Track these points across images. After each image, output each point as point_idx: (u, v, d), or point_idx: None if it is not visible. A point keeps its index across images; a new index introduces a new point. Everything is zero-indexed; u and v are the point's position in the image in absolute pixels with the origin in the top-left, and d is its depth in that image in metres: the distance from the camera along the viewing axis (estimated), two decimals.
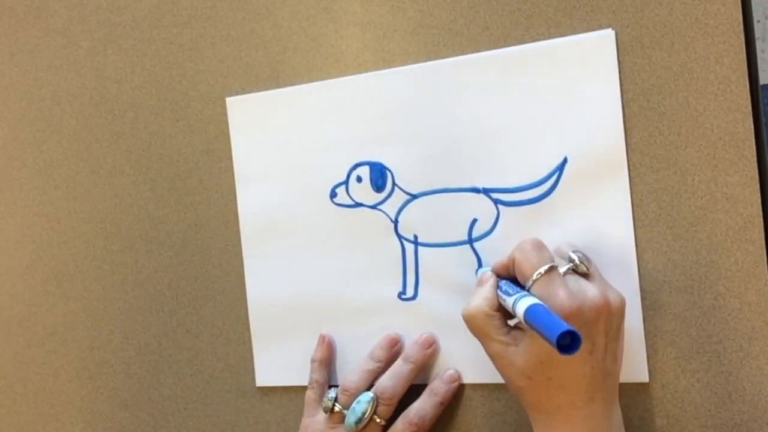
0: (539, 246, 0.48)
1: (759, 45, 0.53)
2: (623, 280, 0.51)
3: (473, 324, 0.49)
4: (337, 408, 0.55)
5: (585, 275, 0.48)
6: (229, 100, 0.63)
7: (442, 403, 0.55)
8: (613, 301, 0.47)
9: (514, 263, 0.48)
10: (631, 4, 0.51)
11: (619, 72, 0.51)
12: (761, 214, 0.49)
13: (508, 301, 0.47)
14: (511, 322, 0.49)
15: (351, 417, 0.54)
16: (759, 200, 0.49)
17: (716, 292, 0.50)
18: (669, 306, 0.51)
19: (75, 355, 0.71)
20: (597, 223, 0.52)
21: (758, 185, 0.49)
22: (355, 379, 0.56)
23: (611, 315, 0.46)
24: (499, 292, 0.49)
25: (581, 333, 0.43)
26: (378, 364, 0.56)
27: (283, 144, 0.61)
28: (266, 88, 0.62)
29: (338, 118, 0.59)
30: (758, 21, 0.57)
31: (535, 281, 0.46)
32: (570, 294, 0.45)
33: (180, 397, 0.67)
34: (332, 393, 0.56)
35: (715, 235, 0.50)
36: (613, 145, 0.51)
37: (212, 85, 0.64)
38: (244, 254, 0.63)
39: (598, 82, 0.51)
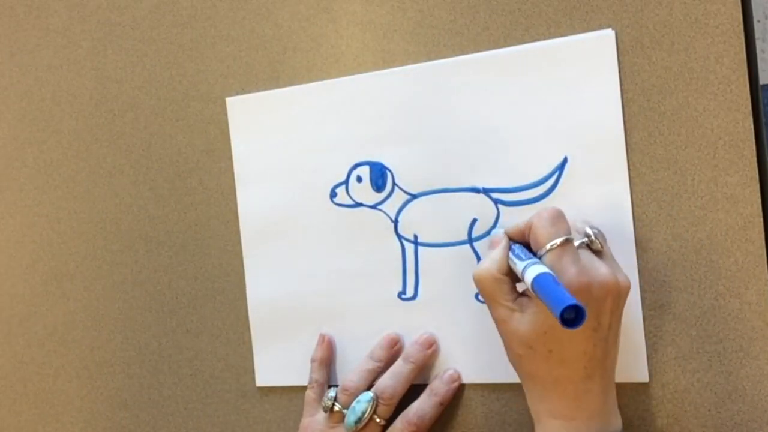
0: (558, 216, 0.47)
1: (759, 45, 0.53)
2: None
3: (482, 286, 0.48)
4: (337, 407, 0.55)
5: (598, 252, 0.48)
6: (229, 100, 0.63)
7: (441, 404, 0.55)
8: (622, 282, 0.46)
9: (530, 230, 0.48)
10: (631, 4, 0.51)
11: (619, 72, 0.51)
12: (761, 214, 0.49)
13: (519, 266, 0.46)
14: (520, 288, 0.48)
15: (351, 416, 0.54)
16: (759, 200, 0.49)
17: (716, 292, 0.50)
18: (669, 306, 0.51)
19: (75, 355, 0.71)
20: (597, 223, 0.52)
21: (758, 185, 0.49)
22: (355, 379, 0.56)
23: (619, 296, 0.46)
24: (511, 255, 0.48)
25: (588, 309, 0.43)
26: (378, 364, 0.56)
27: (283, 144, 0.61)
28: (266, 88, 0.62)
29: (338, 118, 0.59)
30: (758, 21, 0.57)
31: (548, 251, 0.46)
32: (581, 269, 0.45)
33: (180, 397, 0.67)
34: (332, 392, 0.56)
35: (715, 235, 0.50)
36: (613, 145, 0.51)
37: (212, 85, 0.64)
38: (244, 254, 0.63)
39: (598, 82, 0.51)
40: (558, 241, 0.45)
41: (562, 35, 0.53)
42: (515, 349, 0.47)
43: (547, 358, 0.46)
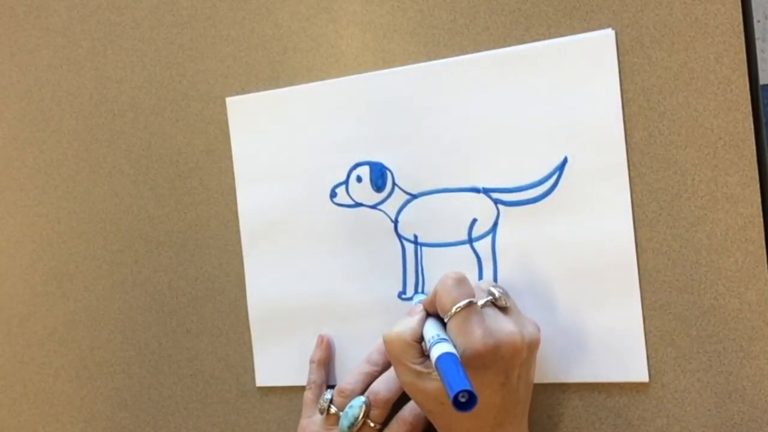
0: (461, 281, 0.48)
1: (759, 45, 0.53)
2: (623, 280, 0.51)
3: (390, 348, 0.49)
4: (333, 410, 0.55)
5: (504, 309, 0.49)
6: (229, 100, 0.63)
7: None
8: (529, 336, 0.48)
9: (435, 297, 0.49)
10: (631, 4, 0.51)
11: (619, 72, 0.51)
12: (761, 214, 0.49)
13: (427, 343, 0.48)
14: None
15: (344, 421, 0.54)
16: (759, 200, 0.49)
17: (716, 292, 0.50)
18: (669, 306, 0.51)
19: (75, 355, 0.71)
20: (597, 223, 0.52)
21: (758, 185, 0.49)
22: (351, 382, 0.56)
23: (527, 350, 0.47)
24: (425, 328, 0.49)
25: (496, 367, 0.45)
26: (375, 368, 0.56)
27: (283, 144, 0.61)
28: (266, 88, 0.62)
29: (338, 118, 0.59)
30: (758, 21, 0.57)
31: (453, 315, 0.47)
32: (486, 330, 0.46)
33: (180, 397, 0.67)
34: (328, 395, 0.56)
35: (715, 235, 0.50)
36: (613, 145, 0.51)
37: (212, 85, 0.64)
38: (244, 254, 0.63)
39: (598, 82, 0.51)
40: (462, 304, 0.47)
41: (562, 35, 0.53)
42: (426, 406, 0.49)
43: (458, 412, 0.46)
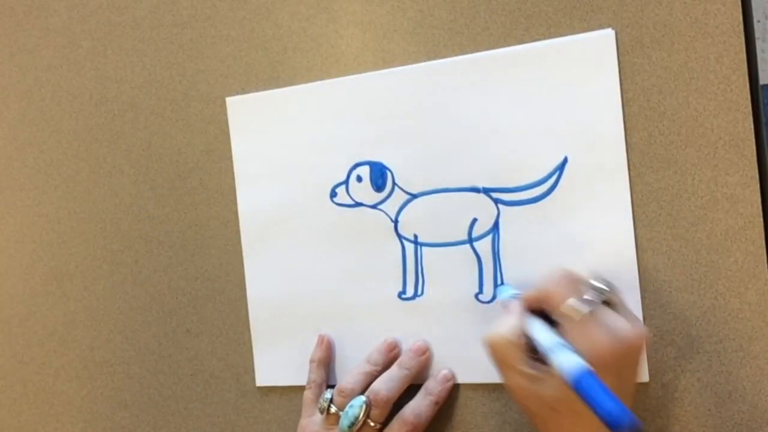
0: (570, 277, 0.46)
1: (759, 45, 0.53)
2: (623, 280, 0.51)
3: (495, 350, 0.48)
4: (333, 410, 0.55)
5: (613, 305, 0.47)
6: (229, 100, 0.63)
7: (436, 403, 0.55)
8: (645, 335, 0.46)
9: (546, 296, 0.47)
10: (631, 4, 0.51)
11: (619, 72, 0.51)
12: (761, 214, 0.49)
13: (543, 346, 0.45)
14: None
15: (344, 421, 0.54)
16: (759, 200, 0.49)
17: (716, 292, 0.50)
18: (669, 306, 0.51)
19: (75, 355, 0.71)
20: (597, 223, 0.52)
21: (758, 185, 0.49)
22: (351, 381, 0.56)
23: (639, 350, 0.46)
24: (528, 326, 0.47)
25: (614, 371, 0.43)
26: (375, 368, 0.56)
27: (283, 144, 0.61)
28: (266, 88, 0.62)
29: (338, 118, 0.59)
30: (758, 21, 0.57)
31: (569, 317, 0.45)
32: (609, 335, 0.44)
33: (180, 397, 0.67)
34: (328, 394, 0.56)
35: (715, 235, 0.50)
36: (613, 145, 0.51)
37: (212, 85, 0.64)
38: (244, 254, 0.63)
39: (598, 82, 0.51)
40: (576, 304, 0.45)
41: (562, 35, 0.53)
42: (538, 411, 0.47)
43: (574, 420, 0.45)
